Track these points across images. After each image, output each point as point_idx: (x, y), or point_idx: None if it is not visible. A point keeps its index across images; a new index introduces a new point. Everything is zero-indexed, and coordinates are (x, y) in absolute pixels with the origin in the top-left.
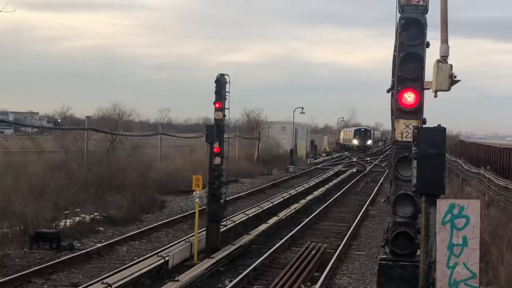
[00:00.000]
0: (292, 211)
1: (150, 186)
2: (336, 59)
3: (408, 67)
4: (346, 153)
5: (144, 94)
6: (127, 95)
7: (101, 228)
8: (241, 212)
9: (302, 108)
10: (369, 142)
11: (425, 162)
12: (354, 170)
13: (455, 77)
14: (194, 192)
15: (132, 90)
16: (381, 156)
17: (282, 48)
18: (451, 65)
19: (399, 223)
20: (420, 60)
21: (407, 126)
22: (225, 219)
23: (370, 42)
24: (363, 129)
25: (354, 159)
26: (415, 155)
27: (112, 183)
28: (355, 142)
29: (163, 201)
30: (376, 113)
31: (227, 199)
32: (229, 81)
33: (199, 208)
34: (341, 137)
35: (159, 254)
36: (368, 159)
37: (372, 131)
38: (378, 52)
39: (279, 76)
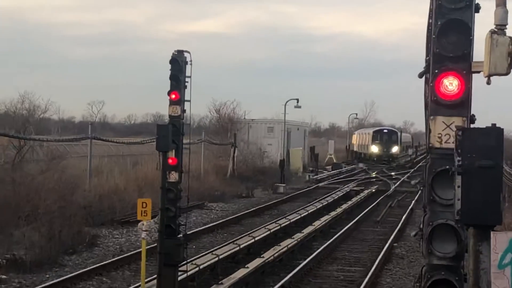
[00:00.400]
0: (283, 249)
1: (75, 214)
2: (347, 29)
3: (449, 41)
4: (361, 165)
5: (67, 80)
6: (42, 81)
7: (3, 276)
8: (209, 252)
9: (297, 100)
10: (395, 149)
11: (473, 178)
12: (373, 190)
13: None
14: (139, 224)
15: (49, 73)
16: (412, 170)
17: (268, 14)
18: (511, 38)
19: (436, 266)
20: (466, 31)
21: (447, 127)
22: (185, 262)
23: (397, 3)
24: (385, 131)
25: (373, 174)
26: (459, 168)
27: (19, 210)
28: (374, 149)
29: (95, 236)
30: (404, 107)
31: (188, 233)
32: (191, 61)
33: (147, 247)
34: (353, 142)
35: None
36: (392, 173)
37: (399, 134)
38: (409, 19)
39: (264, 55)
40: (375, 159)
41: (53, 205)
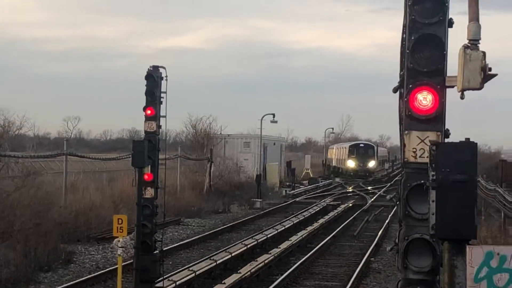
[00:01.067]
0: (260, 265)
1: (50, 231)
2: (323, 44)
3: (423, 55)
4: (337, 179)
5: (42, 96)
6: (17, 98)
7: None
8: (185, 268)
9: (274, 115)
10: (372, 163)
11: (448, 192)
12: (350, 205)
13: (490, 69)
14: (115, 240)
15: (24, 89)
16: (388, 184)
17: (245, 29)
18: (484, 53)
19: (412, 281)
20: (440, 46)
21: (422, 141)
22: (161, 278)
23: (373, 18)
24: (362, 145)
25: (350, 189)
26: (433, 182)
27: None
28: (351, 164)
29: (70, 253)
30: (380, 122)
31: (164, 249)
32: (167, 77)
33: (124, 263)
34: (330, 156)
35: None
36: (369, 188)
37: (375, 148)
38: (385, 33)
39: (240, 70)
40: (351, 174)
41: (28, 222)
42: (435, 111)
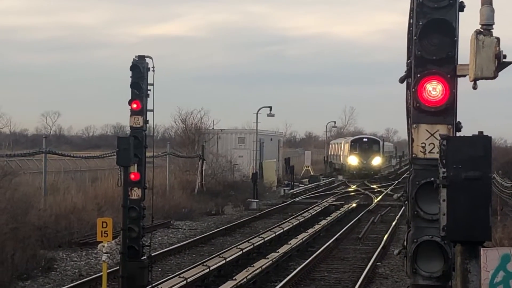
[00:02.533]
0: (257, 271)
1: (29, 236)
2: (324, 30)
3: (431, 42)
4: (340, 177)
5: (18, 90)
6: None
7: None
8: (176, 275)
9: (270, 108)
10: (376, 161)
11: (460, 191)
12: (354, 205)
13: (505, 57)
14: (99, 245)
15: None
16: (395, 182)
17: (238, 15)
18: (498, 39)
19: (422, 286)
20: (450, 32)
21: (431, 135)
22: (150, 286)
23: (377, 1)
24: (365, 139)
25: (353, 187)
26: (444, 180)
27: None
28: (353, 161)
29: (51, 259)
30: (386, 114)
31: (152, 254)
32: (154, 67)
33: (109, 270)
34: (331, 152)
35: None
36: (375, 186)
37: (381, 143)
38: (390, 18)
39: (233, 59)
40: (354, 172)
41: (4, 227)
42: (446, 103)
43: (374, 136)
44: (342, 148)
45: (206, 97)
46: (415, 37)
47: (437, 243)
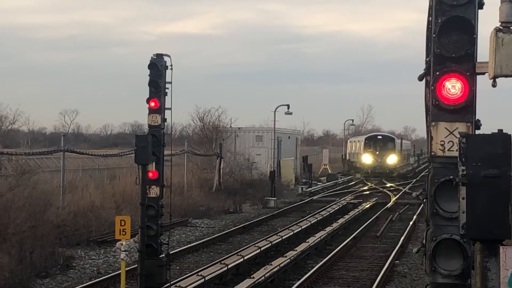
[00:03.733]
0: (275, 269)
1: (47, 234)
2: (341, 28)
3: (450, 40)
4: (358, 175)
5: (36, 88)
6: (10, 90)
7: None
8: (194, 273)
9: (288, 106)
10: (392, 159)
11: (479, 189)
12: (372, 203)
13: None
14: (118, 243)
15: (17, 81)
16: (414, 180)
17: (255, 13)
18: None
19: (441, 285)
20: (469, 29)
21: (451, 133)
22: (168, 284)
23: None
24: (380, 137)
25: (371, 185)
26: (463, 178)
27: None
28: (367, 159)
29: (69, 257)
30: (405, 112)
31: (170, 252)
32: (172, 66)
33: (127, 268)
34: (349, 150)
35: None
36: (393, 184)
37: (397, 140)
38: (408, 16)
39: (251, 57)
40: (369, 171)
41: (23, 225)
42: (465, 100)
43: (391, 134)
44: (356, 146)
45: (224, 95)
46: (434, 35)
47: (456, 241)
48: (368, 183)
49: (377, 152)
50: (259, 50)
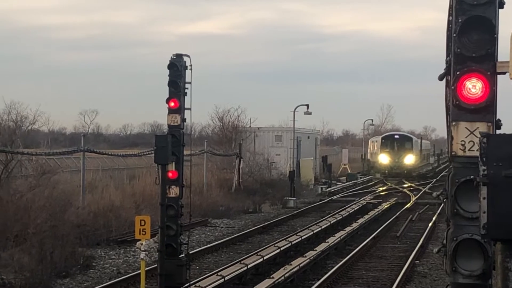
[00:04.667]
0: (295, 269)
1: (68, 234)
2: (362, 28)
3: (471, 39)
4: (378, 175)
5: (56, 89)
6: (30, 90)
7: None
8: (214, 273)
9: (308, 106)
10: (409, 159)
11: (500, 189)
12: (392, 203)
13: None
14: (138, 243)
15: (37, 81)
16: (434, 180)
17: (275, 12)
18: None
19: (462, 285)
20: (490, 28)
21: (471, 133)
22: (187, 284)
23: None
24: (397, 136)
25: (390, 185)
26: (484, 178)
27: (7, 230)
28: (384, 160)
29: (89, 257)
30: (424, 112)
31: (190, 252)
32: (191, 66)
33: (147, 268)
34: (369, 150)
35: None
36: (412, 185)
37: (414, 140)
38: (429, 15)
39: (270, 57)
40: (386, 172)
41: (43, 224)
42: (486, 100)
43: (411, 133)
44: (373, 146)
45: (243, 95)
46: (454, 34)
47: (477, 241)
48: (388, 183)
49: (394, 152)
50: (279, 50)
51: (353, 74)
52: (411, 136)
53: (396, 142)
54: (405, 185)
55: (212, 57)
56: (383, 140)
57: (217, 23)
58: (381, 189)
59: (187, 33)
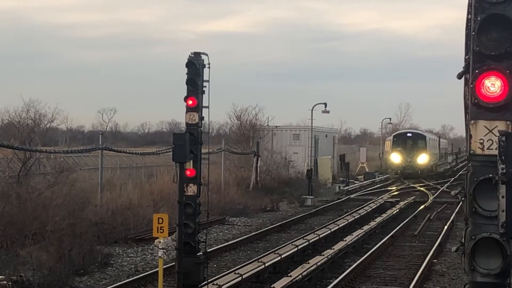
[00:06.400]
0: (312, 267)
1: (86, 232)
2: (381, 26)
3: (490, 38)
4: (391, 174)
5: (75, 87)
6: (49, 89)
7: None
8: (231, 271)
9: (325, 104)
10: (422, 158)
11: None
12: (410, 202)
13: None
14: (156, 241)
15: (56, 79)
16: (452, 179)
17: (294, 10)
18: None
19: (480, 284)
20: (509, 27)
21: (490, 131)
22: (205, 282)
23: None
24: (409, 134)
25: (408, 184)
26: (503, 176)
27: (25, 228)
28: (395, 159)
29: (107, 255)
30: (443, 111)
31: (208, 250)
32: (209, 64)
33: (165, 266)
34: (385, 149)
35: None
36: (431, 183)
37: (429, 139)
38: (448, 13)
39: (289, 55)
40: (399, 172)
41: (62, 222)
42: (505, 98)
43: (430, 132)
44: (386, 145)
45: (261, 94)
46: (473, 33)
47: (496, 240)
48: (406, 182)
49: (407, 151)
50: (298, 48)
51: (372, 73)
52: (425, 134)
53: (409, 140)
54: (424, 184)
55: (232, 55)
56: (394, 139)
57: (236, 21)
58: (399, 187)
59: (206, 31)
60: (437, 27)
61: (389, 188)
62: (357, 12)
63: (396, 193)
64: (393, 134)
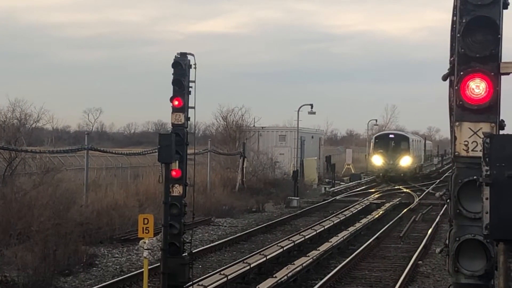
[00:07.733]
0: (298, 268)
1: (71, 232)
2: (366, 28)
3: (475, 40)
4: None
5: (61, 87)
6: (35, 88)
7: None
8: (216, 272)
9: (312, 106)
10: (405, 161)
11: (503, 189)
12: (396, 203)
13: None
14: (141, 241)
15: (42, 79)
16: (438, 181)
17: (283, 11)
18: None
19: (464, 285)
20: (493, 29)
21: (474, 133)
22: (190, 283)
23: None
24: (392, 136)
25: (394, 185)
26: (487, 178)
27: (10, 228)
28: (377, 161)
29: (92, 255)
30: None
31: (193, 251)
32: (196, 64)
33: (150, 266)
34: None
35: None
36: (417, 185)
37: (412, 140)
38: (434, 16)
39: (277, 56)
40: (381, 175)
41: (47, 222)
42: (489, 101)
43: (416, 134)
44: (368, 147)
45: (248, 95)
46: (458, 35)
47: (480, 242)
48: (391, 184)
49: (389, 153)
50: (286, 50)
51: (358, 74)
52: (408, 135)
53: (391, 142)
54: (409, 186)
55: (219, 56)
56: (376, 140)
57: (224, 22)
58: (384, 189)
59: (195, 32)
60: (425, 29)
61: (374, 190)
62: (343, 14)
63: (382, 194)
64: (375, 135)
